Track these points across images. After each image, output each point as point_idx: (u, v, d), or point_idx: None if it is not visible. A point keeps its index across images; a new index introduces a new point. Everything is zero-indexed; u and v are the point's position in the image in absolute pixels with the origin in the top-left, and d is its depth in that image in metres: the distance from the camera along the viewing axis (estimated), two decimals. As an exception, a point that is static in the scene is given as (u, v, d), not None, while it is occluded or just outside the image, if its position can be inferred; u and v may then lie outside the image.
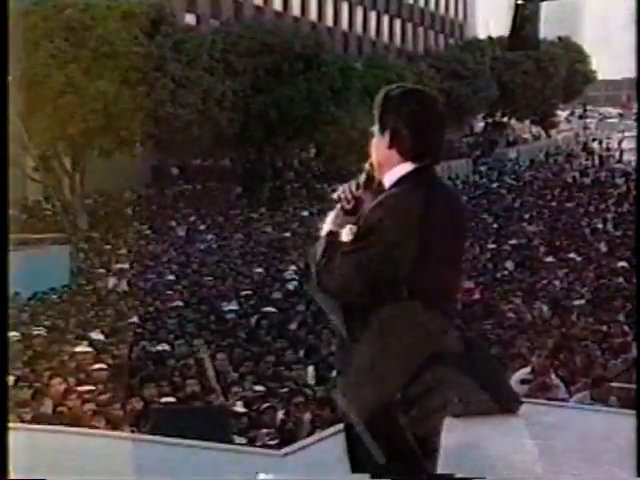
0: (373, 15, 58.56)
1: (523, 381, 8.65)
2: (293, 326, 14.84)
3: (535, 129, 64.39)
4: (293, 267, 22.48)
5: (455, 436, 3.95)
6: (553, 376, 8.90)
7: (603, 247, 23.29)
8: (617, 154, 52.16)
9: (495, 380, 5.54)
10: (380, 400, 3.04)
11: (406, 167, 3.12)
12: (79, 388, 9.50)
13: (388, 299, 3.03)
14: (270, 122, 35.87)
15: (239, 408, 8.83)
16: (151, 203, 35.83)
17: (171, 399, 8.90)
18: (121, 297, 19.95)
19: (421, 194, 3.05)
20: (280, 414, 8.70)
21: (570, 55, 61.40)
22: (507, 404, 5.45)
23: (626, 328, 12.18)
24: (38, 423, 7.17)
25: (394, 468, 3.09)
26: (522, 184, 40.85)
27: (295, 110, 35.95)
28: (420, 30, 63.59)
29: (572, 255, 21.97)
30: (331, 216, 3.20)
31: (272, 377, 10.67)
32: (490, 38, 58.58)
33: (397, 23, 61.00)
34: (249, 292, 19.36)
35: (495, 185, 41.90)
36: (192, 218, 34.34)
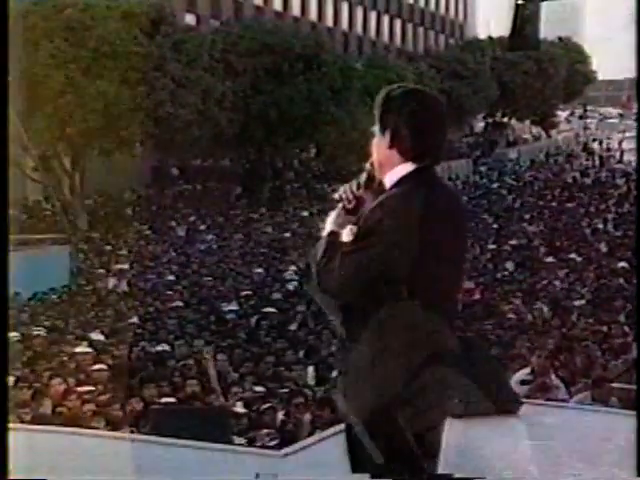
0: (373, 15, 58.52)
1: (523, 382, 8.64)
2: (293, 326, 14.86)
3: (535, 129, 64.32)
4: (293, 267, 22.48)
5: (455, 436, 3.94)
6: (553, 377, 8.90)
7: (603, 247, 23.29)
8: (617, 154, 52.13)
9: (495, 381, 5.54)
10: (380, 400, 3.03)
11: (407, 167, 3.12)
12: (79, 388, 9.50)
13: (388, 299, 3.02)
14: (270, 122, 35.83)
15: (239, 409, 8.83)
16: (151, 203, 35.79)
17: (171, 399, 8.90)
18: (121, 297, 19.94)
19: (422, 194, 3.05)
20: (280, 415, 8.70)
21: (570, 55, 61.35)
22: (507, 405, 5.44)
23: (626, 329, 12.19)
24: (38, 423, 7.16)
25: (394, 468, 3.08)
26: (522, 184, 40.83)
27: (295, 110, 35.91)
28: (420, 30, 63.56)
29: (572, 255, 21.98)
30: (332, 216, 3.20)
31: (272, 378, 10.67)
32: (490, 38, 58.61)
33: (397, 23, 60.97)
34: (249, 292, 19.37)
35: (495, 185, 41.87)
36: (192, 218, 34.29)
